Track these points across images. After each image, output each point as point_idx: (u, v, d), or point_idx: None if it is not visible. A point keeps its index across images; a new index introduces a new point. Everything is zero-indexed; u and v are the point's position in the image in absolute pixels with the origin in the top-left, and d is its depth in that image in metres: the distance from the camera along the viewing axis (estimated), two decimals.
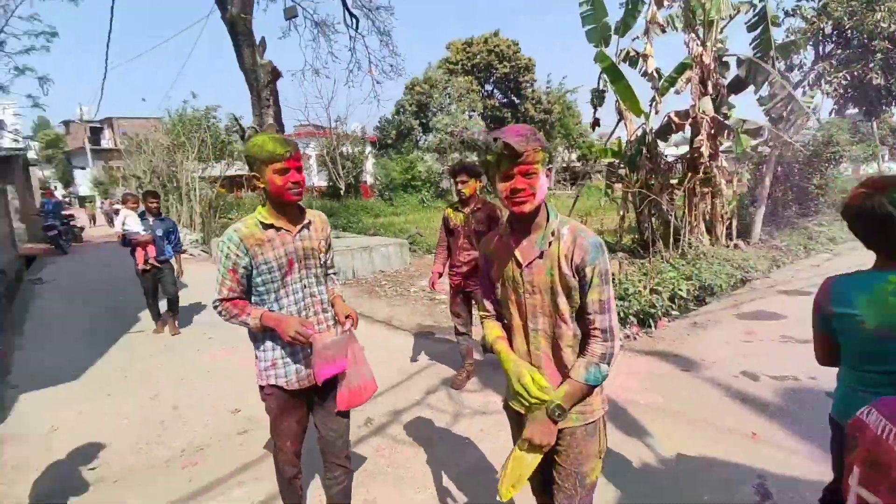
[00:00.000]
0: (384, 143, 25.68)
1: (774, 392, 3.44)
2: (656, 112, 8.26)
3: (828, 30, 9.07)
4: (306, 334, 1.72)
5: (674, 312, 5.38)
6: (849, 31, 8.82)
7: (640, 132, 8.50)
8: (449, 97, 24.73)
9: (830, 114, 10.80)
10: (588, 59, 8.38)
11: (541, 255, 1.38)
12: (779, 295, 6.12)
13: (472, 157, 22.25)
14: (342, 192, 20.70)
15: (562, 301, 1.38)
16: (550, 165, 1.28)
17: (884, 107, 9.71)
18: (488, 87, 27.78)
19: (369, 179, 25.80)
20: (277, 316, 1.77)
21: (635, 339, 4.70)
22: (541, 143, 1.30)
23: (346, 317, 1.91)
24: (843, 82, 8.84)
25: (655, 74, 8.40)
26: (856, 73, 8.72)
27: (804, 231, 9.77)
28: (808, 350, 4.23)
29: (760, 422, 3.04)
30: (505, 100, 27.69)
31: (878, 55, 8.49)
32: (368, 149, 24.30)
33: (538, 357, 1.44)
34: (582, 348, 1.40)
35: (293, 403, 1.89)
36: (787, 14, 9.54)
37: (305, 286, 1.87)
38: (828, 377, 3.48)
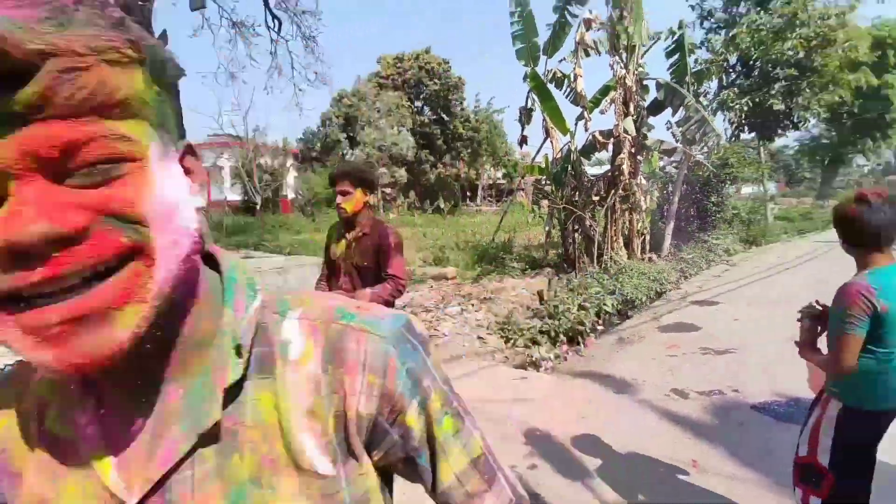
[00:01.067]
0: (308, 157, 24.55)
1: (704, 409, 3.37)
2: (586, 130, 8.47)
3: (733, 60, 10.04)
4: None
5: (599, 328, 5.30)
6: (753, 61, 9.80)
7: (565, 150, 8.68)
8: (378, 111, 24.32)
9: (727, 139, 11.93)
10: (514, 79, 8.52)
11: (197, 448, 0.38)
12: (691, 306, 6.35)
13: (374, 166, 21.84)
14: (258, 206, 19.30)
15: None
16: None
17: (779, 130, 10.99)
18: (418, 104, 27.81)
19: (290, 194, 24.48)
20: None
21: (566, 359, 4.49)
22: (135, 42, 0.33)
23: None
24: (745, 109, 9.80)
25: (583, 94, 8.67)
26: (757, 100, 9.69)
27: (704, 244, 10.55)
28: (725, 361, 4.29)
29: (698, 446, 2.89)
30: (435, 117, 27.86)
31: (781, 82, 9.51)
32: (290, 161, 23.03)
33: None
34: None
35: None
36: (696, 46, 10.44)
37: None
38: (750, 389, 3.57)
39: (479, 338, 4.83)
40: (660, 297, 6.88)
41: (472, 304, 5.70)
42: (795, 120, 10.33)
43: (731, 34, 10.07)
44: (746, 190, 19.89)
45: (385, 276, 2.37)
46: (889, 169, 34.01)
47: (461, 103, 27.47)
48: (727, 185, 12.37)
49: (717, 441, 2.92)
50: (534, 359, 4.26)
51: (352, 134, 24.54)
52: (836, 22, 9.48)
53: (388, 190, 24.54)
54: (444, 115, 27.46)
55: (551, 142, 9.01)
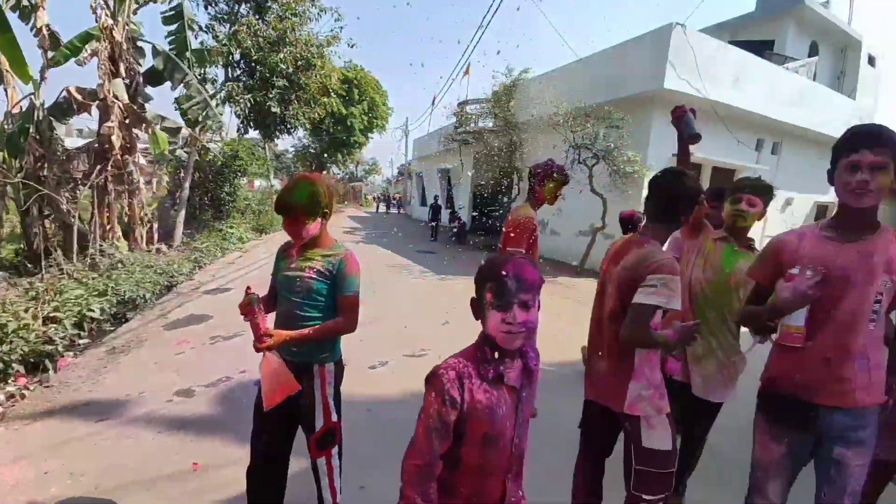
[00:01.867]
0: None
1: (210, 402, 3.25)
2: (42, 79, 6.35)
3: (237, 56, 10.30)
4: None
5: (83, 342, 4.19)
6: (255, 63, 10.39)
7: (26, 105, 6.32)
8: None
9: (237, 132, 12.44)
10: None
11: None
12: (204, 296, 6.20)
13: None
14: None
15: None
16: None
17: (277, 132, 12.32)
18: None
19: None
20: None
21: (23, 397, 3.19)
22: None
23: None
24: (248, 105, 10.37)
25: (45, 33, 6.50)
26: (258, 100, 10.42)
27: (219, 233, 10.69)
28: (233, 345, 4.32)
29: (202, 445, 2.71)
30: None
31: (277, 89, 10.52)
32: None
33: None
34: None
35: None
36: (200, 29, 9.95)
37: None
38: (255, 366, 3.72)
39: None
40: (170, 291, 6.30)
41: None
42: (289, 127, 12.15)
43: (232, 30, 10.44)
44: (258, 183, 21.88)
45: None
46: (353, 178, 46.79)
47: None
48: (239, 177, 13.02)
49: (221, 431, 2.85)
50: None
51: None
52: (316, 51, 11.71)
53: None
54: None
55: (5, 89, 6.38)
